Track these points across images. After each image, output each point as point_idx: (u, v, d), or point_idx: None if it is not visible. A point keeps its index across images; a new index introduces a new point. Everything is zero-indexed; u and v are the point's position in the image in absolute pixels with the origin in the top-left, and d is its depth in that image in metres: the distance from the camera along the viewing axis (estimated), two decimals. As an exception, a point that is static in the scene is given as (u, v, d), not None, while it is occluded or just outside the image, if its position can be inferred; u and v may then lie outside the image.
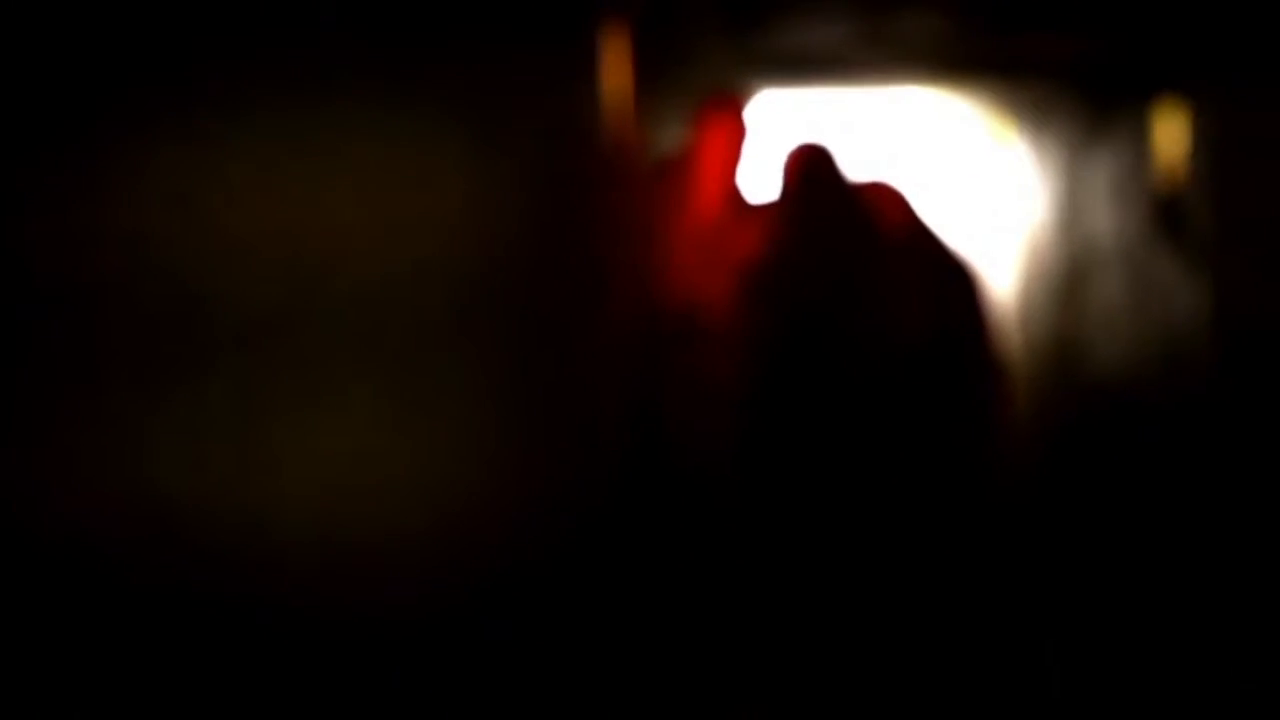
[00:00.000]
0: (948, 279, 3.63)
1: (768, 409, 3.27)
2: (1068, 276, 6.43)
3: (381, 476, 1.63)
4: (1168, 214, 5.26)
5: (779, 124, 5.14)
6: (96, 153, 1.23)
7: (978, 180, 5.04)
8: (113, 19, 1.23)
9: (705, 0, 4.35)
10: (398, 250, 1.69)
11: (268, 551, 1.42)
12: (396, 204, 1.69)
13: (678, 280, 3.68)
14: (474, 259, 1.93)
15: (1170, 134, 5.23)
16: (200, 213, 1.27)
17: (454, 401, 1.83)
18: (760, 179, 3.76)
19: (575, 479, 2.29)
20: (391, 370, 1.66)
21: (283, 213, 1.49)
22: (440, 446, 1.79)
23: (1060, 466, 4.82)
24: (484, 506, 1.90)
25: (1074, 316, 6.33)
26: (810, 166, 3.41)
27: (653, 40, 3.77)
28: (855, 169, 3.42)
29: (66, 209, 1.21)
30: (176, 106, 1.32)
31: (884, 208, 3.57)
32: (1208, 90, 4.93)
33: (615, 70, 3.02)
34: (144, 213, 1.27)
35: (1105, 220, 5.92)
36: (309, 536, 1.46)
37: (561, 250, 2.28)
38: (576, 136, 2.47)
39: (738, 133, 3.83)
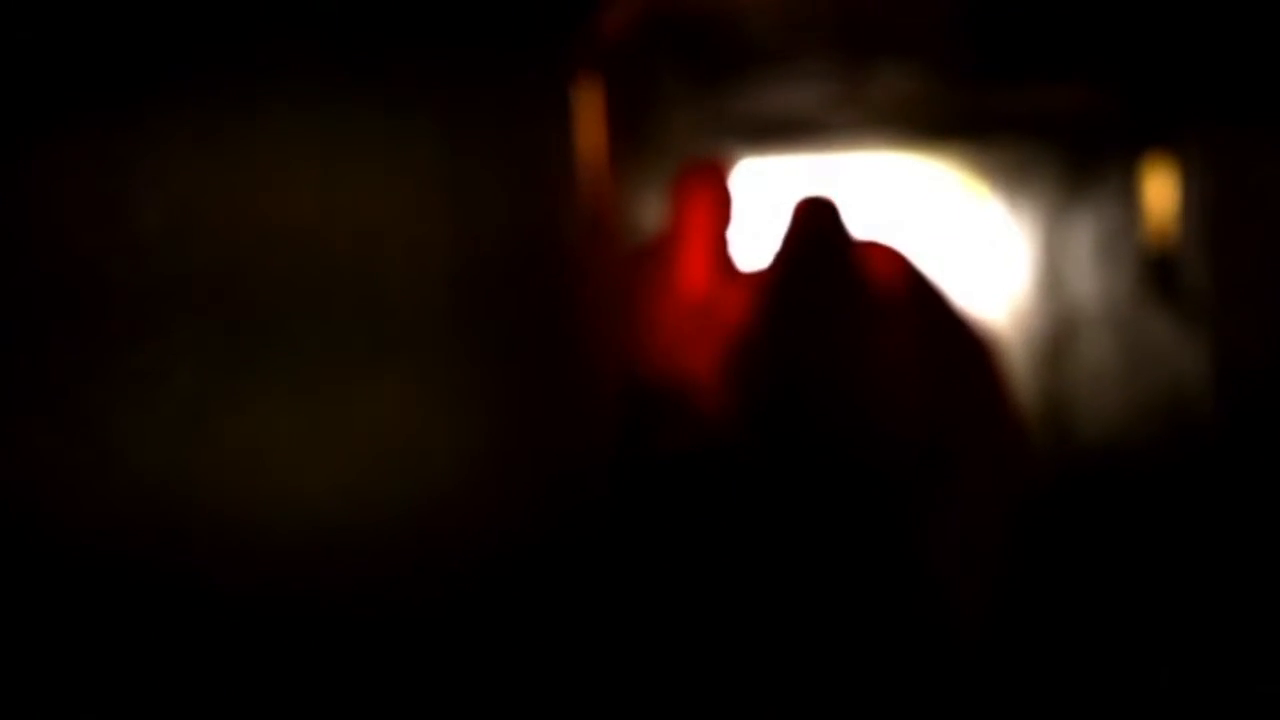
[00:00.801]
0: (959, 352, 3.45)
1: (754, 485, 3.12)
2: (1053, 340, 6.28)
3: (378, 461, 1.60)
4: (1159, 273, 5.13)
5: (758, 190, 5.03)
6: (88, 146, 1.19)
7: (958, 244, 4.86)
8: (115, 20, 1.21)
9: (678, 65, 4.24)
10: (390, 272, 1.66)
11: (266, 534, 1.38)
12: (388, 228, 1.67)
13: (664, 355, 3.56)
14: (459, 275, 1.92)
15: (1159, 191, 5.09)
16: (206, 211, 1.26)
17: (447, 407, 1.83)
18: (744, 245, 3.61)
19: (562, 471, 2.36)
20: (386, 369, 1.64)
21: (297, 217, 1.46)
22: (436, 439, 1.78)
23: (1053, 536, 4.69)
24: (476, 491, 1.90)
25: (1061, 381, 6.17)
26: (815, 219, 3.22)
27: (628, 103, 3.68)
28: (857, 230, 3.23)
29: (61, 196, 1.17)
30: (183, 108, 1.29)
31: (886, 272, 3.40)
32: (1197, 145, 4.82)
33: (589, 128, 2.94)
34: (142, 204, 1.23)
35: (1091, 281, 5.79)
36: (308, 520, 1.44)
37: (539, 281, 2.34)
38: (551, 189, 2.57)
39: (720, 198, 3.70)
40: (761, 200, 4.12)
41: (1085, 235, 5.79)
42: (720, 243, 3.64)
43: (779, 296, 3.16)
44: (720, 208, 3.68)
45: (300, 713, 1.41)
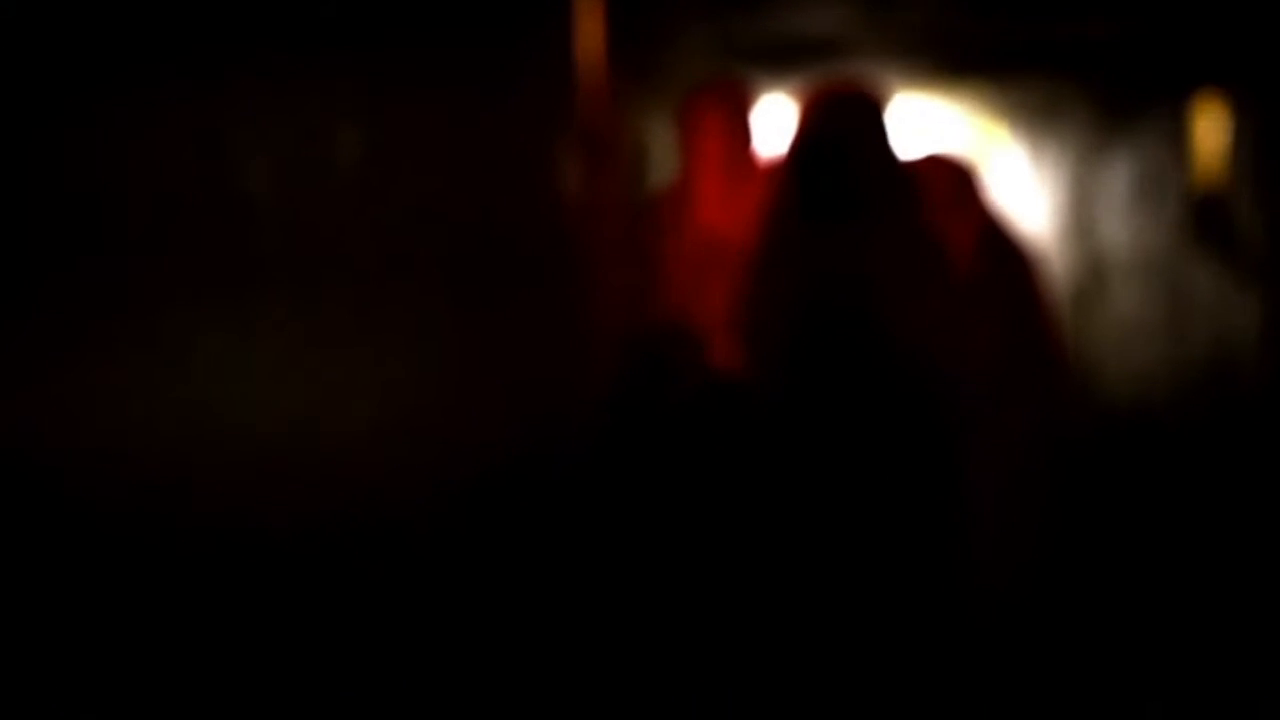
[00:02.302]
0: (1016, 287, 3.04)
1: (775, 410, 2.77)
2: (1079, 291, 5.90)
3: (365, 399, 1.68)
4: (1206, 217, 4.75)
5: (771, 121, 4.67)
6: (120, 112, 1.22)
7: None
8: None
9: None
10: (389, 199, 1.72)
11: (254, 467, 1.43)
12: (389, 158, 1.72)
13: (681, 294, 3.26)
14: (457, 208, 1.94)
15: (1207, 128, 4.71)
16: (215, 171, 1.31)
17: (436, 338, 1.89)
18: (762, 178, 3.22)
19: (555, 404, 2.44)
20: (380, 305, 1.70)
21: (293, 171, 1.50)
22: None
23: (1081, 495, 4.33)
24: (459, 419, 1.98)
25: (1088, 336, 5.80)
26: (840, 113, 2.79)
27: (634, 24, 3.36)
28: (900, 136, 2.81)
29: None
30: (196, 81, 1.32)
31: (942, 191, 3.00)
32: (1251, 77, 4.45)
33: (588, 36, 2.64)
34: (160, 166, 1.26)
35: (1126, 227, 5.41)
36: (299, 453, 1.50)
37: (535, 202, 2.33)
38: (549, 107, 2.49)
39: (735, 124, 3.33)
40: (775, 132, 3.75)
41: (1120, 178, 5.41)
42: (737, 173, 3.27)
43: (791, 203, 2.74)
44: (735, 135, 3.32)
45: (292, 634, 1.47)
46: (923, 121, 5.88)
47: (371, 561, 1.69)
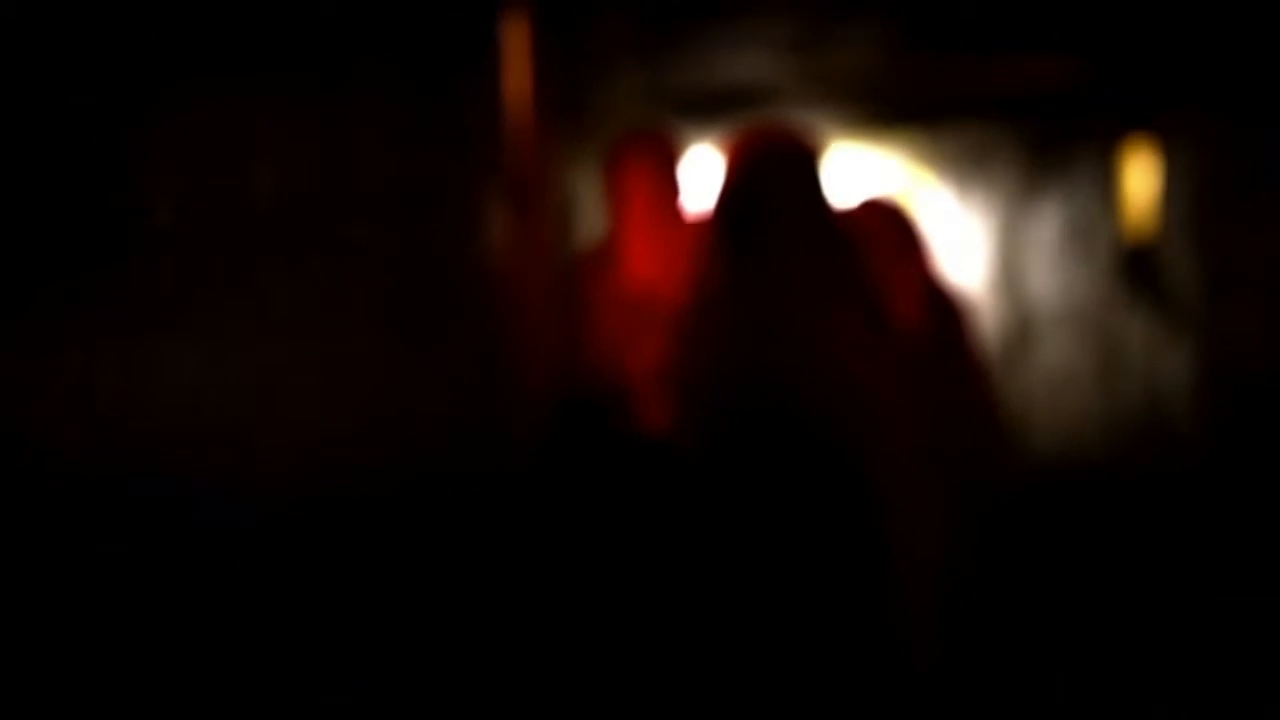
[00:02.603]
0: (949, 327, 2.95)
1: (702, 470, 2.67)
2: (1008, 342, 5.86)
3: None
4: (1136, 267, 4.71)
5: (702, 168, 4.61)
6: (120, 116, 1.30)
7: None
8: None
9: (620, 22, 3.78)
10: (308, 237, 1.75)
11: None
12: (311, 197, 1.75)
13: (609, 347, 3.16)
14: (382, 250, 1.98)
15: (1137, 176, 4.67)
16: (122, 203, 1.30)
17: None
18: (693, 229, 3.14)
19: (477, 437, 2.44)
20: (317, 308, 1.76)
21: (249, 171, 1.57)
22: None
23: (1012, 548, 4.26)
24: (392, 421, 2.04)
25: (1017, 387, 5.75)
26: (766, 160, 2.68)
27: (563, 71, 3.28)
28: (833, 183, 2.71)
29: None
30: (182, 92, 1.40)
31: (878, 236, 2.91)
32: (1183, 125, 4.41)
33: (517, 89, 2.54)
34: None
35: (1055, 276, 5.37)
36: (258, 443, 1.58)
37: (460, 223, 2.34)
38: (477, 151, 2.44)
39: (662, 175, 3.24)
40: (706, 179, 3.67)
41: (1048, 226, 5.37)
42: (664, 226, 3.17)
43: (719, 254, 2.64)
44: (661, 186, 3.22)
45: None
46: (851, 169, 5.83)
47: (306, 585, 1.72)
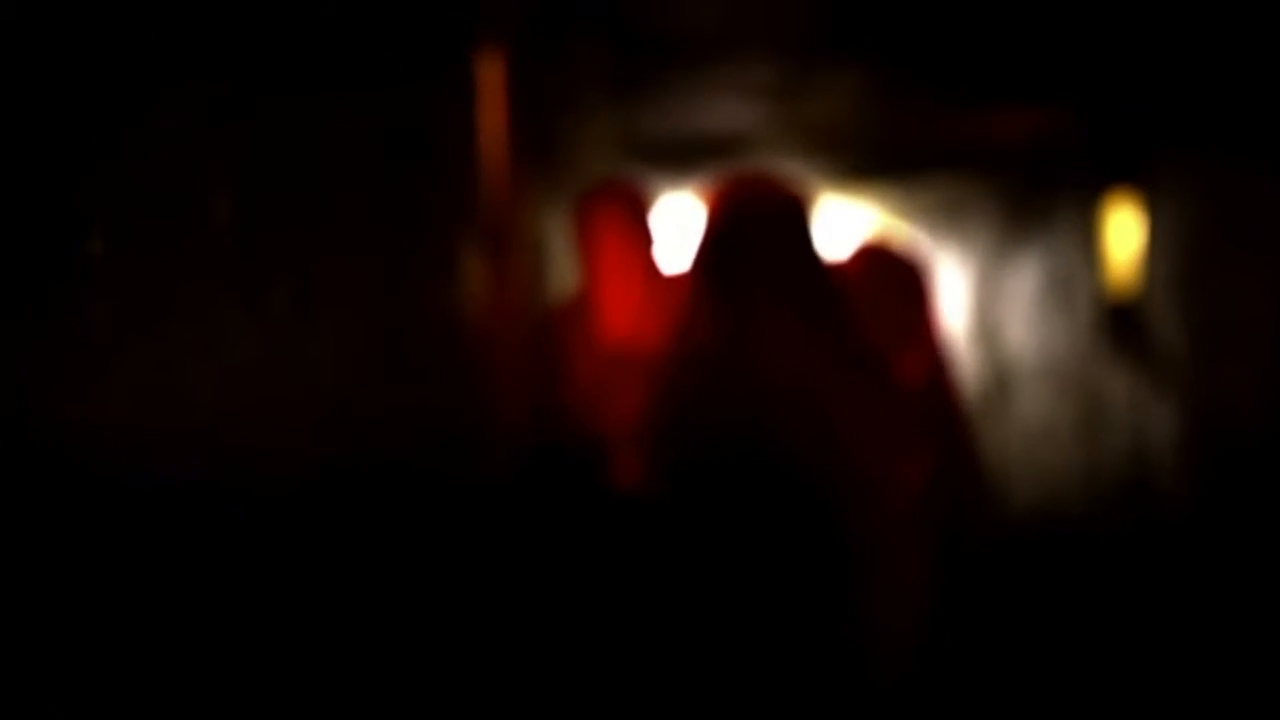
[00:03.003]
0: (940, 381, 2.85)
1: (678, 529, 2.57)
2: (985, 397, 5.77)
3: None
4: (1118, 322, 4.63)
5: (677, 222, 4.51)
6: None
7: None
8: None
9: (594, 74, 3.70)
10: (264, 278, 1.71)
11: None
12: (272, 239, 1.72)
13: (585, 401, 3.05)
14: (352, 300, 1.94)
15: (1119, 229, 4.59)
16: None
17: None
18: (668, 280, 3.04)
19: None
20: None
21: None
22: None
23: (989, 605, 4.15)
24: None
25: (994, 445, 5.66)
26: (747, 211, 2.57)
27: (538, 120, 3.19)
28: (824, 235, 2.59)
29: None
30: (166, 109, 1.43)
31: (879, 286, 2.80)
32: (1166, 177, 4.34)
33: (492, 138, 2.44)
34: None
35: (1035, 331, 5.28)
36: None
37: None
38: (451, 200, 2.36)
39: (633, 227, 3.14)
40: (680, 230, 3.57)
41: (1028, 280, 5.29)
42: (636, 279, 3.07)
43: (699, 307, 2.52)
44: (633, 238, 3.12)
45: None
46: (827, 221, 5.75)
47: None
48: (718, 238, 2.44)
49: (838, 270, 2.70)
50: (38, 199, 1.21)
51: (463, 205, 2.22)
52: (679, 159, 4.60)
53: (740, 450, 2.47)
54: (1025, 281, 5.32)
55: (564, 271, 3.54)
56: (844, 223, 5.88)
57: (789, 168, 4.89)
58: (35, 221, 1.20)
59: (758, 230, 2.44)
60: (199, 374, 1.46)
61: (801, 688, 2.58)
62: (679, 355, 2.56)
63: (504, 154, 2.51)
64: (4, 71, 1.17)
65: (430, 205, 2.10)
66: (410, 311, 2.03)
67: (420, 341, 2.08)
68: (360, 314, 1.83)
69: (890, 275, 2.85)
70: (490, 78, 2.38)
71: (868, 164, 5.17)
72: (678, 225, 4.23)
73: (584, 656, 3.00)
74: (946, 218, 5.83)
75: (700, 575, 2.50)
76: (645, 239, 3.19)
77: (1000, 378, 5.59)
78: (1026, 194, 5.20)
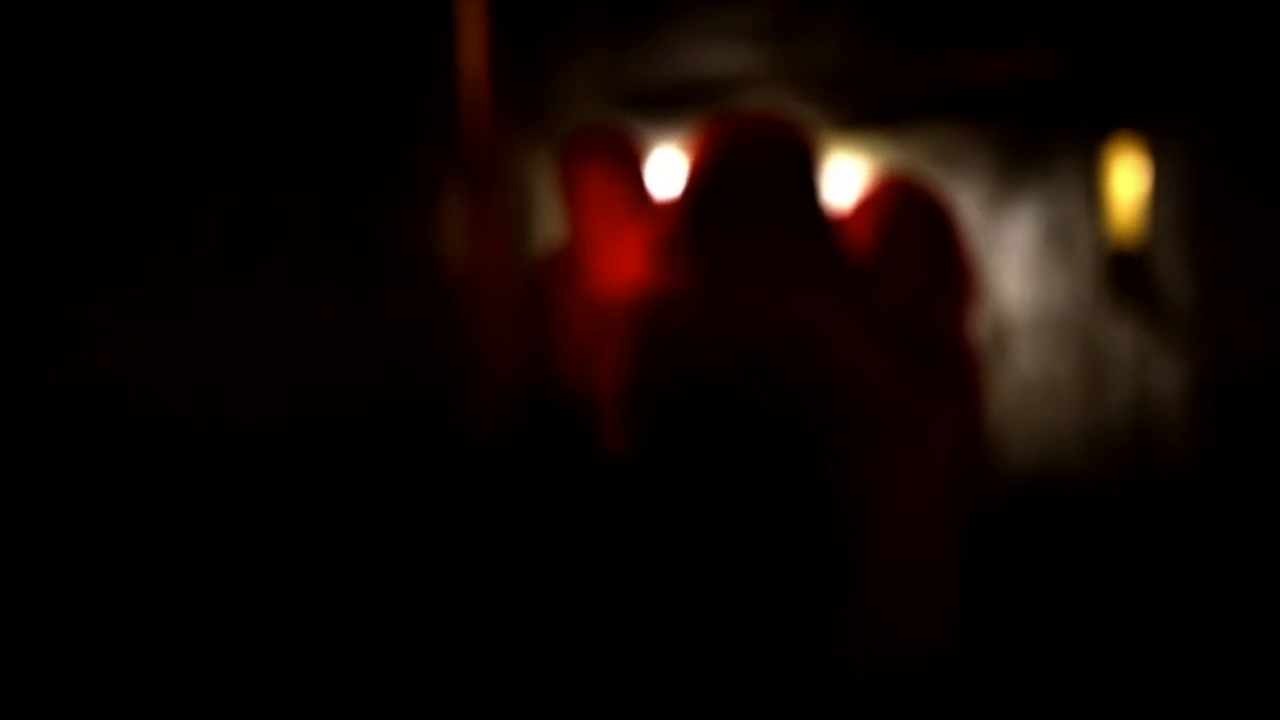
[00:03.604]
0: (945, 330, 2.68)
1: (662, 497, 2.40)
2: (985, 348, 5.63)
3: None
4: (1122, 271, 4.50)
5: (665, 158, 4.36)
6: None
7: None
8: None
9: (580, 16, 3.55)
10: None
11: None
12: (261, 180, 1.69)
13: (576, 357, 2.91)
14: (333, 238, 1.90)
15: (1123, 175, 4.45)
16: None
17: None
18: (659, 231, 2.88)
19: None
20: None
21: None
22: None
23: (987, 564, 4.01)
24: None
25: (993, 396, 5.53)
26: (740, 144, 2.38)
27: (521, 64, 3.05)
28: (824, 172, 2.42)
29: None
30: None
31: (889, 232, 2.61)
32: (1173, 120, 4.22)
33: (473, 80, 2.30)
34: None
35: (1033, 282, 5.14)
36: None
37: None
38: (431, 143, 2.27)
39: (620, 173, 2.97)
40: (668, 179, 3.42)
41: (1025, 229, 5.15)
42: (625, 229, 2.91)
43: (682, 256, 2.33)
44: (621, 185, 2.96)
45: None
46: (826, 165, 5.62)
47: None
48: (716, 173, 2.26)
49: (849, 213, 2.53)
50: (47, 184, 1.22)
51: (442, 142, 2.10)
52: (670, 105, 4.45)
53: (730, 405, 2.31)
54: (1023, 231, 5.18)
55: (551, 219, 3.39)
56: (836, 172, 5.74)
57: (783, 106, 4.75)
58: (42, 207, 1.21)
59: (761, 167, 2.27)
60: (191, 340, 1.48)
61: (802, 672, 2.45)
62: (659, 303, 2.38)
63: (485, 90, 2.36)
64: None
65: (407, 142, 1.98)
66: (384, 251, 1.92)
67: (396, 285, 1.97)
68: (329, 254, 1.74)
69: (916, 213, 2.62)
70: (470, 9, 2.23)
71: (858, 112, 5.03)
72: (667, 173, 4.09)
73: (580, 629, 2.89)
74: (940, 167, 5.68)
75: (692, 548, 2.35)
76: (635, 186, 3.03)
77: (997, 331, 5.45)
78: (1023, 140, 5.06)
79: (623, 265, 2.92)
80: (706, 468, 2.33)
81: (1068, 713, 4.14)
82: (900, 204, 2.65)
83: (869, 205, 2.62)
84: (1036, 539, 5.35)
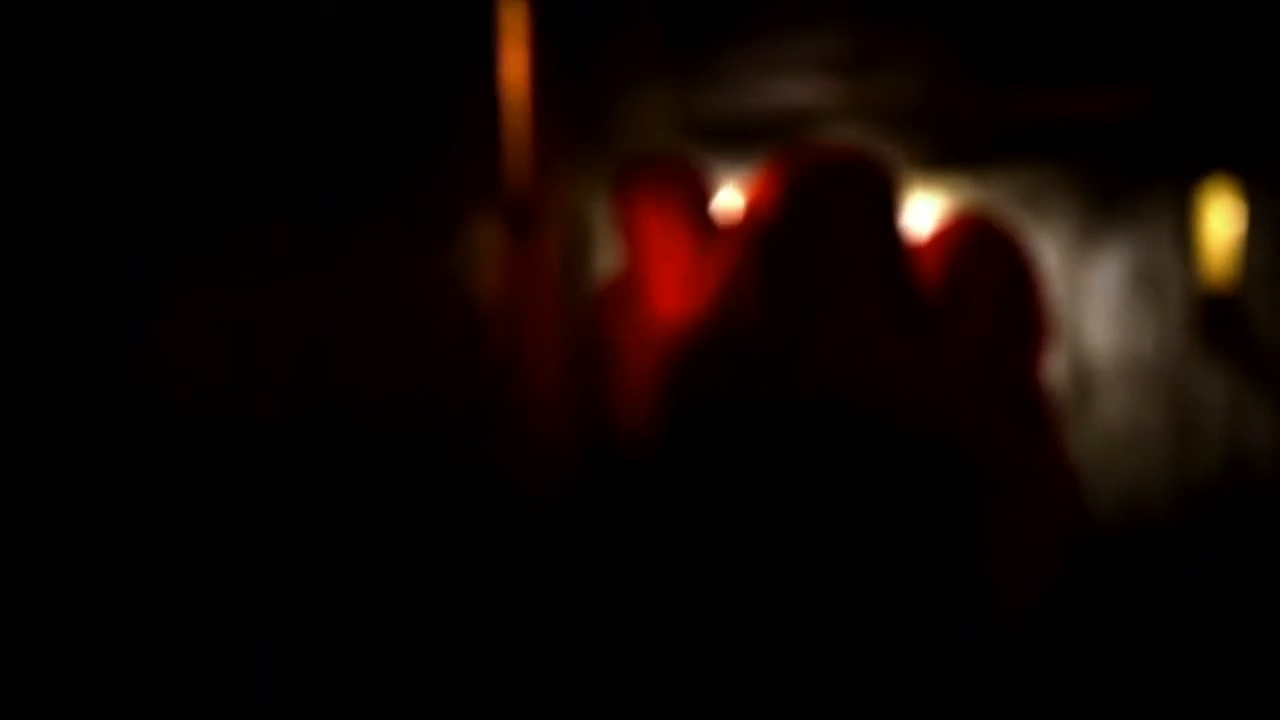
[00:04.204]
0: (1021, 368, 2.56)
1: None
2: (1068, 397, 5.50)
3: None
4: (1215, 317, 4.39)
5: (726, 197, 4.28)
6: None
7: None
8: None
9: (641, 38, 3.48)
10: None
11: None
12: None
13: (637, 405, 2.80)
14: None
15: (1216, 217, 4.33)
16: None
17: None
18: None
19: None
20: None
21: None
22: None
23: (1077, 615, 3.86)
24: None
25: (1076, 450, 5.37)
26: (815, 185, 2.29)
27: (579, 91, 2.98)
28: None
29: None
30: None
31: (953, 266, 2.51)
32: (1268, 163, 4.12)
33: (516, 102, 2.21)
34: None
35: (1120, 328, 5.03)
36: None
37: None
38: (470, 168, 2.22)
39: (685, 206, 2.86)
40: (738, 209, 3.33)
41: (1112, 272, 5.02)
42: (692, 262, 2.80)
43: (750, 293, 2.23)
44: (688, 219, 2.85)
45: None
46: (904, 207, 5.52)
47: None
48: (791, 209, 2.17)
49: (919, 250, 2.42)
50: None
51: (478, 167, 2.02)
52: (733, 139, 4.38)
53: (790, 429, 2.19)
54: (1109, 274, 5.05)
55: (611, 254, 3.32)
56: (915, 212, 5.64)
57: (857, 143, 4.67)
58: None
59: (841, 205, 2.17)
60: (213, 353, 1.49)
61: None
62: (714, 332, 2.28)
63: (529, 112, 2.27)
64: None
65: (440, 167, 1.90)
66: (413, 283, 1.83)
67: (428, 321, 1.89)
68: (347, 284, 1.66)
69: (987, 248, 2.51)
70: (514, 21, 2.15)
71: (938, 149, 4.93)
72: (734, 208, 4.00)
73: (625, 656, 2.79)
74: (1023, 207, 5.58)
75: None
76: (700, 219, 2.94)
77: (1081, 379, 5.32)
78: (1111, 180, 4.94)
79: (683, 302, 2.82)
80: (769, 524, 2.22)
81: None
82: (970, 240, 2.54)
83: (938, 242, 2.52)
84: (1123, 594, 5.21)
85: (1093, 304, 5.13)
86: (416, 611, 2.01)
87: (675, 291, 2.75)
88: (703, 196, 2.90)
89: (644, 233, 2.85)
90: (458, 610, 2.21)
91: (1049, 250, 5.34)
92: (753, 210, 2.17)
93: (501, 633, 2.40)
